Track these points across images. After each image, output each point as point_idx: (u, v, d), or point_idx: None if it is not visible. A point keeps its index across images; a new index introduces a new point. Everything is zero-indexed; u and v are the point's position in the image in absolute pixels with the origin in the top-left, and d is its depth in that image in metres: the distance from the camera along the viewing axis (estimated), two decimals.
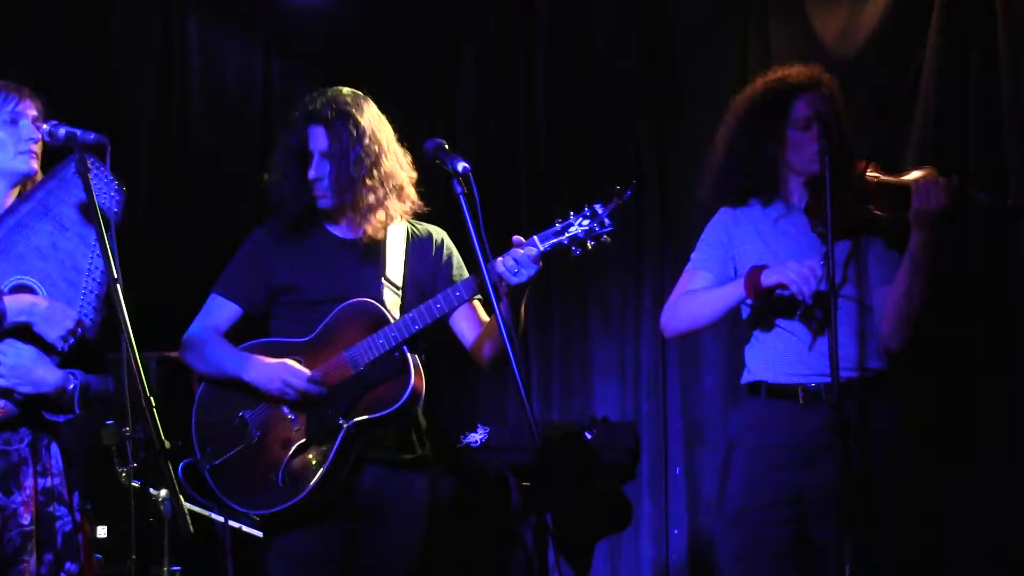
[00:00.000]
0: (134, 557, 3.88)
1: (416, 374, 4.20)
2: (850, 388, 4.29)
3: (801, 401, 4.41)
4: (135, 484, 3.74)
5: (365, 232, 4.38)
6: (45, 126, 3.81)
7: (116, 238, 3.74)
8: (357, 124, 4.32)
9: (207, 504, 5.54)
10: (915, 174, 4.36)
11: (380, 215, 4.35)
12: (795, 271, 4.26)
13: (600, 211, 3.96)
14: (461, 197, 3.75)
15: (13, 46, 6.69)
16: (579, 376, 7.46)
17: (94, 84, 7.09)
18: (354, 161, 4.29)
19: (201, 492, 4.31)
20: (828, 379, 4.28)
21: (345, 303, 4.27)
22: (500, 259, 4.02)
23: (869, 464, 4.31)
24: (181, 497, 3.46)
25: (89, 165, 3.78)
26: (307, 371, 4.23)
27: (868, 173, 4.34)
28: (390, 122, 4.45)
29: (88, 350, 4.06)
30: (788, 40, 6.56)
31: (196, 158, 7.64)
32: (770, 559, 4.41)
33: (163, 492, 5.44)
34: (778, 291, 4.34)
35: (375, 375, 4.20)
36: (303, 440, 4.22)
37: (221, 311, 4.44)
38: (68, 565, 4.05)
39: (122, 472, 5.22)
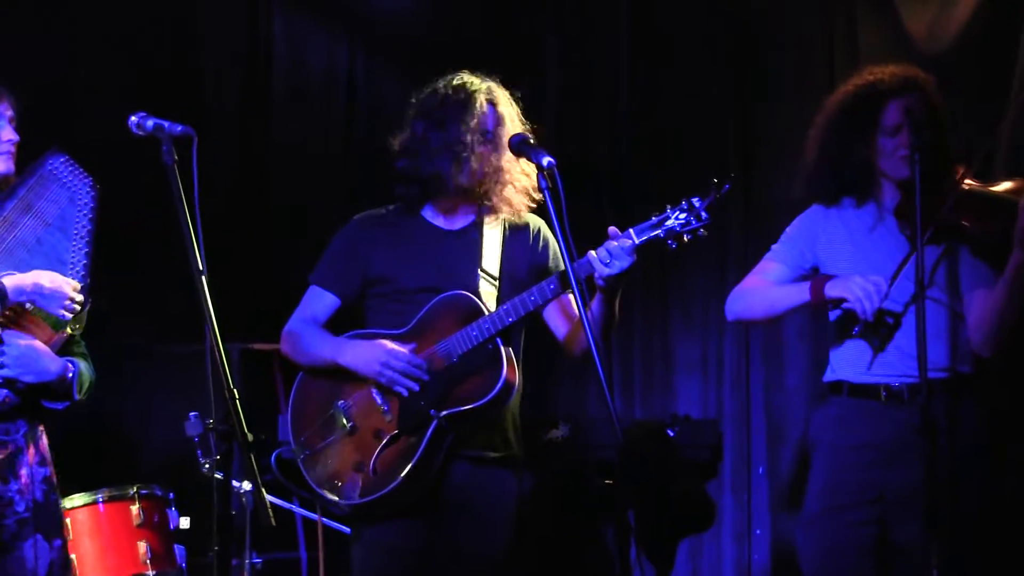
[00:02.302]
0: (216, 549, 3.89)
1: (509, 366, 4.17)
2: (935, 390, 4.23)
3: (883, 400, 4.38)
4: (217, 476, 3.75)
5: (469, 222, 4.40)
6: (133, 118, 3.82)
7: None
8: (505, 114, 4.37)
9: (297, 495, 5.58)
10: (1006, 185, 4.32)
11: (504, 204, 4.35)
12: (860, 287, 4.24)
13: (697, 204, 3.92)
14: (546, 191, 3.77)
15: (100, 38, 6.77)
16: (661, 373, 7.43)
17: (181, 76, 7.15)
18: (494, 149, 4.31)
19: (293, 481, 4.34)
20: (910, 379, 4.28)
21: (441, 295, 4.27)
22: (593, 251, 4.00)
23: (955, 467, 4.27)
24: (264, 490, 3.47)
25: (175, 157, 3.83)
26: (404, 350, 4.21)
27: (962, 180, 4.29)
28: None
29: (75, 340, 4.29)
30: (876, 35, 6.50)
31: (280, 151, 7.68)
32: (851, 560, 4.39)
33: (246, 484, 5.47)
34: (844, 305, 4.32)
35: (468, 367, 4.18)
36: (395, 431, 4.22)
37: (319, 302, 4.46)
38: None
39: (205, 464, 5.27)
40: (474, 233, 4.40)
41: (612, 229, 4.01)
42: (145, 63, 6.91)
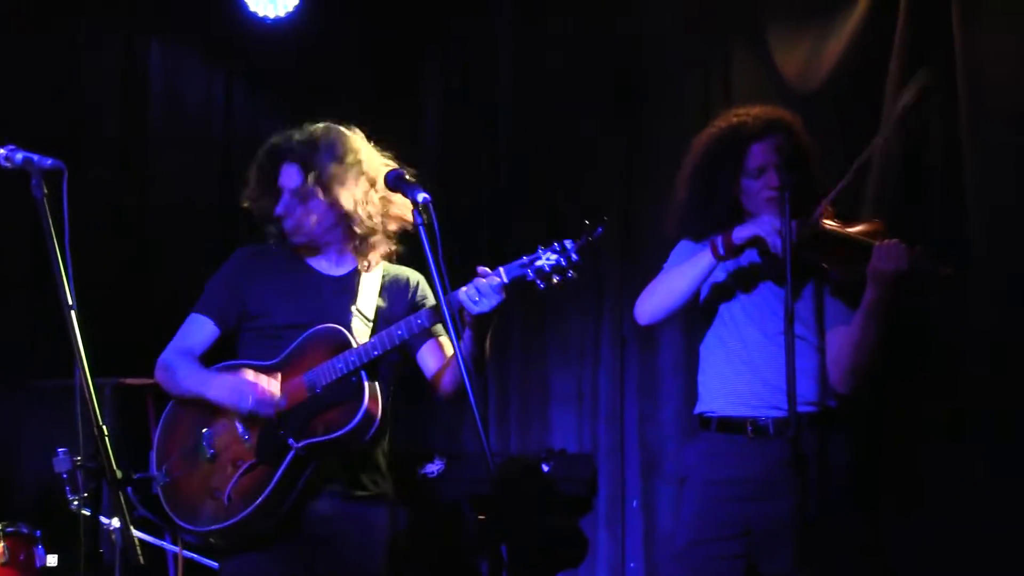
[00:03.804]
0: None
1: (371, 399, 4.17)
2: (802, 423, 4.29)
3: (749, 435, 4.44)
4: (85, 513, 3.70)
5: (350, 269, 4.43)
6: (1, 151, 3.77)
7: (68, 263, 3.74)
8: (327, 167, 4.34)
9: (159, 526, 5.52)
10: (863, 226, 4.40)
11: (356, 255, 4.39)
12: (769, 221, 4.27)
13: (569, 247, 3.91)
14: (421, 227, 3.76)
15: None
16: (537, 406, 7.43)
17: (55, 106, 7.06)
18: (321, 204, 4.33)
19: (148, 508, 4.31)
20: (777, 413, 4.36)
21: (313, 328, 4.28)
22: (463, 288, 4.02)
23: (825, 499, 4.33)
24: (133, 527, 3.44)
25: (45, 190, 3.76)
26: (264, 376, 4.22)
27: (823, 221, 4.36)
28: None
29: None
30: (750, 74, 6.58)
31: (157, 182, 7.61)
32: None
33: (115, 521, 5.40)
34: (753, 251, 4.37)
35: (331, 398, 4.19)
36: (253, 460, 4.22)
37: (199, 331, 4.45)
38: None
39: (73, 500, 5.20)
40: (353, 280, 4.43)
41: (481, 268, 4.03)
42: (19, 95, 6.83)
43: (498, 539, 5.12)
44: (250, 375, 4.23)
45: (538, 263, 3.94)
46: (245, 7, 7.45)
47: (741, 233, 4.35)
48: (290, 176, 4.36)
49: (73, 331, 3.52)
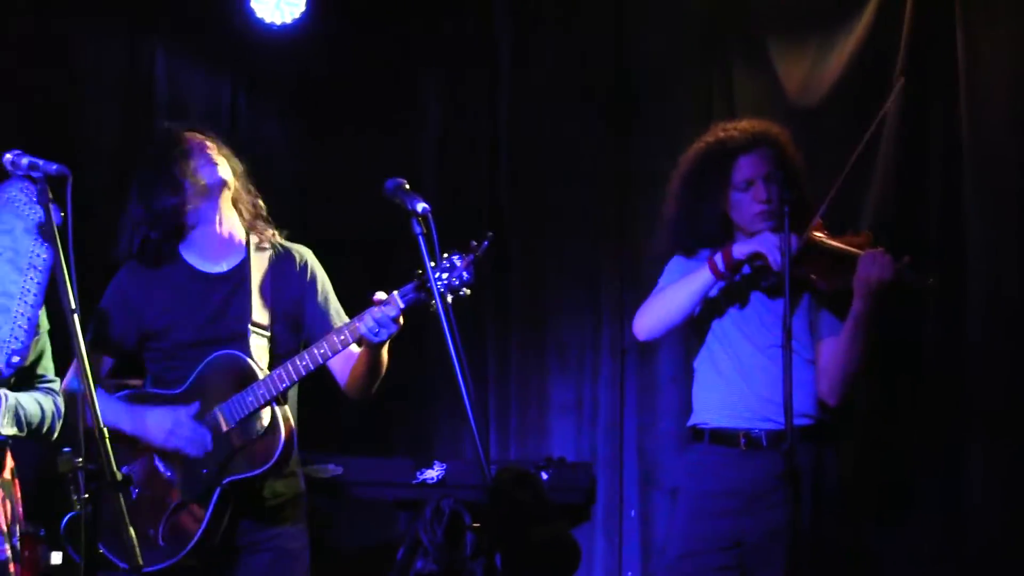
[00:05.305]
0: None
1: (286, 426, 4.19)
2: (795, 436, 4.30)
3: (742, 447, 4.46)
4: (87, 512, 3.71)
5: (235, 264, 4.40)
6: (8, 155, 3.79)
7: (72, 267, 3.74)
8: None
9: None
10: (852, 238, 4.42)
11: (243, 229, 4.42)
12: (769, 239, 4.31)
13: (458, 264, 3.90)
14: (420, 237, 3.76)
15: None
16: (536, 415, 7.44)
17: (58, 114, 7.07)
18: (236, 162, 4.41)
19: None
20: (770, 425, 4.37)
21: (213, 356, 4.27)
22: (360, 321, 4.06)
23: (817, 512, 4.35)
24: (131, 528, 3.46)
25: (50, 195, 3.77)
26: (185, 416, 4.21)
27: (813, 233, 4.38)
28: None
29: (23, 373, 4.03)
30: (752, 88, 6.59)
31: None
32: None
33: None
34: (746, 266, 4.39)
35: (247, 432, 4.19)
36: (180, 500, 4.22)
37: (95, 363, 4.32)
38: None
39: (76, 500, 5.21)
40: (240, 275, 4.39)
41: (377, 295, 4.04)
42: (25, 100, 6.84)
43: (493, 547, 5.13)
44: (170, 411, 4.24)
45: (429, 284, 3.87)
46: (252, 13, 7.47)
47: (742, 250, 4.38)
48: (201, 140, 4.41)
49: (76, 334, 3.55)
